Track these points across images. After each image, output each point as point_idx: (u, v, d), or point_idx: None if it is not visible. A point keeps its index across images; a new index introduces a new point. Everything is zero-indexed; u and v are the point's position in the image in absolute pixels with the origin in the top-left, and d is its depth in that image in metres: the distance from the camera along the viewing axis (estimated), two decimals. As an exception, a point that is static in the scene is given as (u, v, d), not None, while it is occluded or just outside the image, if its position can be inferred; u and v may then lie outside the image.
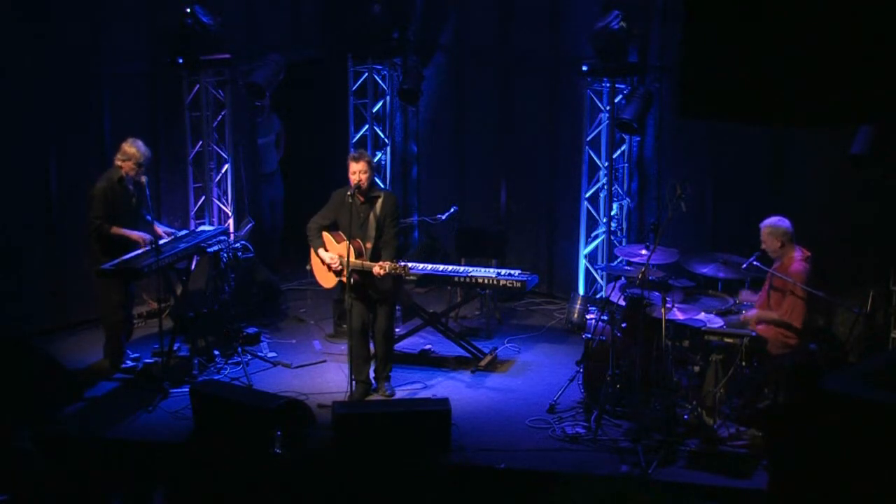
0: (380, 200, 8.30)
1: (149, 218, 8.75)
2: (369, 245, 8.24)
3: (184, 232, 9.23)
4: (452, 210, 9.69)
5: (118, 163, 8.67)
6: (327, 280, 8.49)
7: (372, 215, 8.27)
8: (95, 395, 8.54)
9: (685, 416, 7.81)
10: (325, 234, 8.42)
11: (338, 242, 8.32)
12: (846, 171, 8.39)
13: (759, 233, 7.95)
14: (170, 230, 9.12)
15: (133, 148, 8.64)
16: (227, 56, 10.09)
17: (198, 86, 10.13)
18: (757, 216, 8.11)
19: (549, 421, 8.05)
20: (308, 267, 8.67)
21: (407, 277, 8.22)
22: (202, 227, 9.74)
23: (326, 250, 8.40)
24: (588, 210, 10.19)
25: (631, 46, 9.67)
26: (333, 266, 8.31)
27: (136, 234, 8.62)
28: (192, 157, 10.34)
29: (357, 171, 8.18)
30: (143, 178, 8.72)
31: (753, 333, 7.83)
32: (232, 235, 9.75)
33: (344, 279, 8.18)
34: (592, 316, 8.69)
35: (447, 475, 7.36)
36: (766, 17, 3.86)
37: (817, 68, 3.79)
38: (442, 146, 11.64)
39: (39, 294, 9.79)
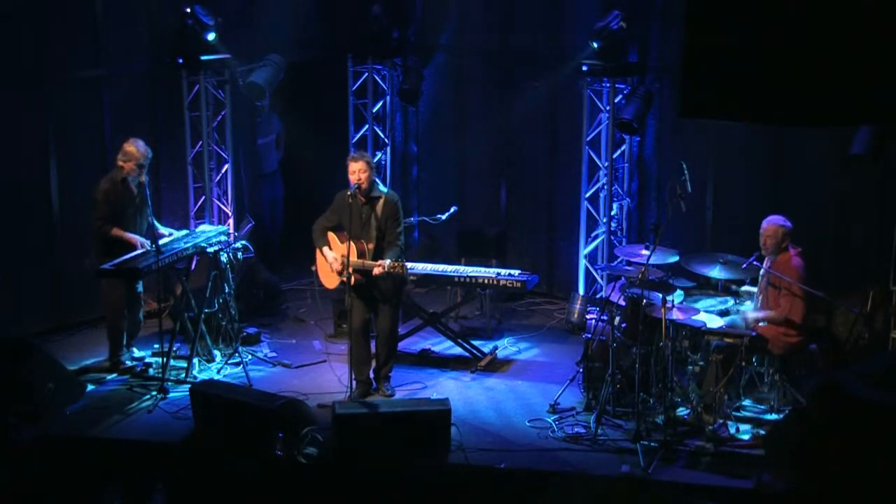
0: (381, 202, 8.31)
1: (151, 220, 8.76)
2: (371, 246, 8.25)
3: (184, 232, 9.22)
4: (452, 210, 9.68)
5: (120, 163, 8.68)
6: (331, 280, 8.50)
7: (373, 216, 8.29)
8: (95, 395, 8.54)
9: (685, 416, 7.82)
10: (331, 234, 8.44)
11: (341, 242, 8.34)
12: (846, 171, 8.39)
13: (759, 233, 7.96)
14: (170, 231, 9.12)
15: (133, 147, 8.66)
16: (227, 56, 10.09)
17: (198, 86, 10.12)
18: (757, 216, 8.12)
19: (549, 421, 8.05)
20: (313, 268, 8.69)
21: (403, 275, 8.22)
22: (202, 227, 9.73)
23: (331, 250, 8.42)
24: (588, 210, 10.19)
25: (631, 46, 9.68)
26: (335, 266, 8.33)
27: (134, 238, 8.62)
28: (192, 157, 10.33)
29: (356, 171, 8.20)
30: (144, 178, 8.74)
31: (753, 333, 7.84)
32: (232, 236, 9.75)
33: (344, 278, 8.20)
34: (592, 316, 8.69)
35: (447, 475, 7.36)
36: (766, 18, 3.86)
37: (818, 68, 3.80)
38: (442, 146, 11.63)
39: (39, 294, 9.79)
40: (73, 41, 9.75)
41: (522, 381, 8.93)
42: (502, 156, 11.16)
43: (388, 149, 11.39)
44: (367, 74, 11.08)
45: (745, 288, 8.35)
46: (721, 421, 7.63)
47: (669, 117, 9.83)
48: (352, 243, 8.12)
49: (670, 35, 9.60)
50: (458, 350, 9.41)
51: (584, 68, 9.68)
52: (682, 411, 7.87)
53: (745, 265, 8.01)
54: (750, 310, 8.07)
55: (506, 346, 9.69)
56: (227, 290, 9.15)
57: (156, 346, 9.16)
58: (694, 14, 3.98)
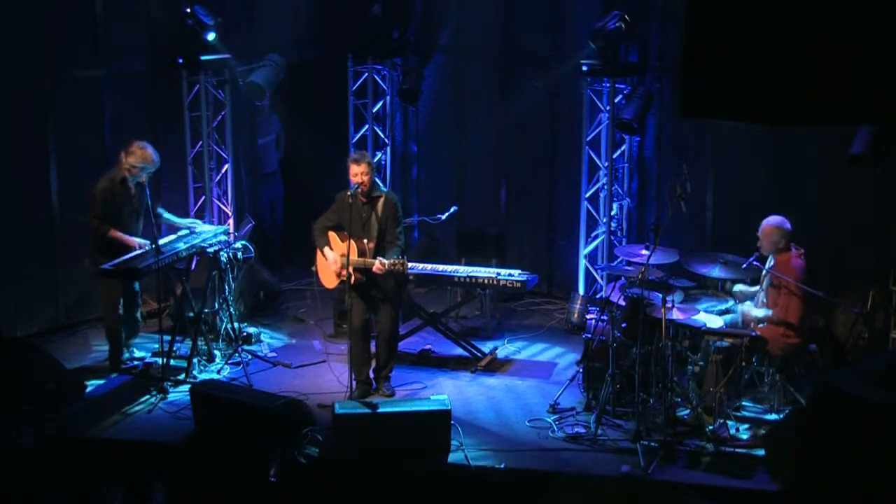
0: (381, 201, 8.33)
1: (159, 210, 8.79)
2: (371, 245, 8.26)
3: (184, 231, 9.21)
4: (452, 210, 9.68)
5: (126, 164, 8.64)
6: (331, 280, 8.51)
7: (374, 215, 8.30)
8: (95, 395, 8.54)
9: (685, 416, 7.82)
10: (331, 234, 8.45)
11: (342, 242, 8.35)
12: (846, 171, 8.39)
13: (759, 232, 7.96)
14: (174, 218, 9.18)
15: (149, 154, 8.66)
16: (227, 56, 10.09)
17: (198, 86, 10.12)
18: (757, 216, 8.12)
19: (549, 421, 8.06)
20: (313, 268, 8.69)
21: (404, 273, 8.23)
22: (202, 227, 9.73)
23: (332, 250, 8.42)
24: (588, 210, 10.19)
25: (631, 46, 9.68)
26: (334, 267, 8.33)
27: (133, 241, 8.63)
28: (192, 157, 10.33)
29: (359, 173, 8.21)
30: (144, 178, 8.74)
31: (754, 333, 7.83)
32: (232, 236, 9.75)
33: (344, 277, 8.20)
34: (592, 316, 8.69)
35: (447, 475, 7.35)
36: (767, 17, 3.86)
37: (818, 68, 3.79)
38: (442, 146, 11.63)
39: (39, 294, 9.79)
40: (73, 41, 9.75)
41: (522, 381, 8.93)
42: (502, 156, 11.16)
43: (388, 149, 11.39)
44: (367, 74, 11.08)
45: (739, 287, 8.33)
46: (721, 421, 7.64)
47: (669, 117, 9.83)
48: (352, 242, 8.13)
49: (670, 35, 9.59)
50: (458, 350, 9.41)
51: (584, 68, 9.68)
52: (682, 411, 7.87)
53: (745, 265, 8.00)
54: (750, 307, 8.08)
55: (506, 346, 9.69)
56: (227, 290, 9.15)
57: (156, 346, 9.16)
58: (694, 14, 3.98)
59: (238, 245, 9.42)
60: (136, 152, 8.64)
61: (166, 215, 9.15)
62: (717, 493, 7.03)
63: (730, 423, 7.69)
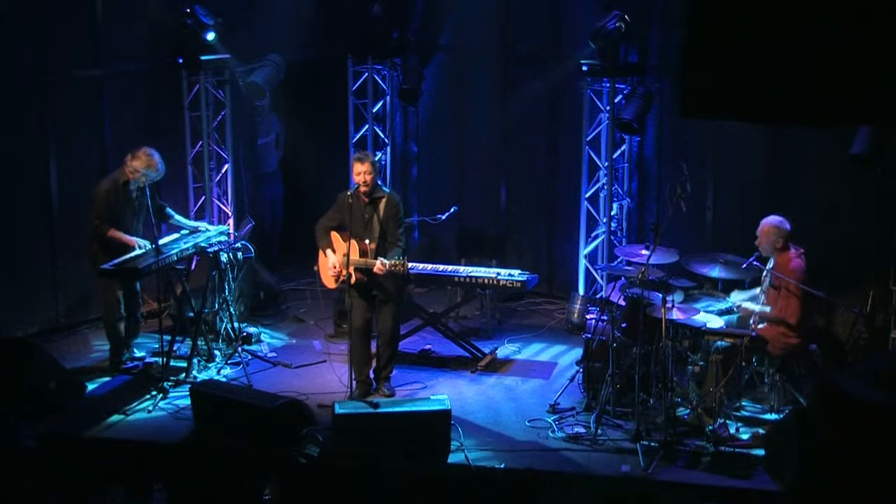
0: (383, 201, 8.34)
1: (168, 211, 8.80)
2: (373, 245, 8.27)
3: (184, 231, 9.20)
4: (452, 210, 9.68)
5: (130, 167, 8.62)
6: (332, 280, 8.51)
7: (375, 216, 8.31)
8: (95, 395, 8.54)
9: (685, 416, 7.82)
10: (334, 234, 8.46)
11: (344, 242, 8.35)
12: (846, 171, 8.40)
13: (758, 231, 7.96)
14: (182, 220, 9.20)
15: (155, 160, 8.65)
16: (227, 56, 10.09)
17: (198, 86, 10.12)
18: (757, 216, 8.11)
19: (549, 421, 8.05)
20: (315, 268, 8.69)
21: (405, 274, 8.23)
22: (206, 227, 9.73)
23: (334, 250, 8.43)
24: (588, 210, 10.19)
25: (631, 46, 9.68)
26: (332, 273, 8.35)
27: (132, 240, 8.63)
28: (192, 157, 10.33)
29: (362, 172, 8.22)
30: (144, 181, 8.72)
31: (753, 333, 7.83)
32: (232, 236, 9.75)
33: (343, 278, 8.21)
34: (592, 316, 8.69)
35: (447, 475, 7.35)
36: (767, 17, 3.86)
37: (818, 68, 3.79)
38: (442, 146, 11.63)
39: (39, 294, 9.79)
40: (73, 41, 9.75)
41: (522, 381, 8.93)
42: (502, 156, 11.16)
43: (388, 149, 11.38)
44: (367, 74, 11.07)
45: (738, 299, 8.29)
46: (721, 421, 7.63)
47: (669, 117, 9.83)
48: (353, 241, 8.13)
49: (671, 35, 9.59)
50: (458, 350, 9.41)
51: (584, 68, 9.68)
52: (682, 411, 7.87)
53: (745, 265, 8.00)
54: (749, 304, 8.07)
55: (506, 346, 9.68)
56: (227, 290, 9.15)
57: (156, 346, 9.16)
58: (694, 14, 3.98)
59: (238, 245, 9.42)
60: (142, 157, 8.63)
61: (176, 217, 9.15)
62: (717, 493, 7.03)
63: (730, 423, 7.70)
